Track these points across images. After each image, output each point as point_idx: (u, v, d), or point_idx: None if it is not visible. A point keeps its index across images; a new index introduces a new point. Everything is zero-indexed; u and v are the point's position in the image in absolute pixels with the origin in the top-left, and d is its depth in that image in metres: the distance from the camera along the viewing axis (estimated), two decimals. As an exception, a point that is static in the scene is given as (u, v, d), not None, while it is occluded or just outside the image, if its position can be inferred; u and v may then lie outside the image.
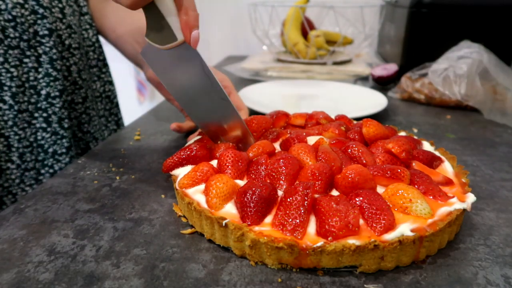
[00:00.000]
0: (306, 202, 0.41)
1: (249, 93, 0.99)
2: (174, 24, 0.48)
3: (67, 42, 0.75)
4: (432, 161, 0.54)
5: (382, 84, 1.14)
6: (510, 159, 0.67)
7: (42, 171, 0.73)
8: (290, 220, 0.40)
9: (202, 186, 0.48)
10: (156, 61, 0.53)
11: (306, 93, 1.05)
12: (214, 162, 0.52)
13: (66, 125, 0.74)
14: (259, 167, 0.50)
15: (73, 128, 0.79)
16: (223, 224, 0.42)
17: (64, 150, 0.74)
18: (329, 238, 0.39)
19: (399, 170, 0.47)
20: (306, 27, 1.34)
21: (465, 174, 0.51)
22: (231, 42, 1.81)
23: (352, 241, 0.38)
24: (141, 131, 0.79)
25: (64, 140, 0.74)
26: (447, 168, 0.54)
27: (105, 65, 0.89)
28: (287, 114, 0.68)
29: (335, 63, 1.31)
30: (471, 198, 0.46)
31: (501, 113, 0.88)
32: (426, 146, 0.61)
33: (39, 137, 0.71)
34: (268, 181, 0.48)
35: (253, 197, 0.42)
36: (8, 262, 0.41)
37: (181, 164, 0.53)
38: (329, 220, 0.39)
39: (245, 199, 0.43)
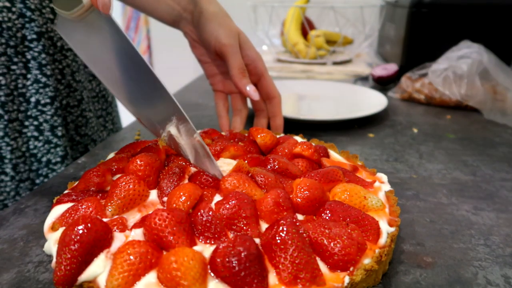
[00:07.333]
0: (306, 238, 0.35)
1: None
2: None
3: (59, 44, 0.72)
4: (326, 152, 0.53)
5: (382, 84, 1.14)
6: (510, 159, 0.68)
7: (37, 181, 0.70)
8: (301, 266, 0.32)
9: (151, 276, 0.33)
10: (72, 34, 0.47)
11: (306, 93, 1.05)
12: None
13: (59, 133, 0.70)
14: (211, 220, 0.37)
15: (71, 133, 0.76)
16: None
17: (58, 159, 0.71)
18: (350, 268, 0.34)
19: (334, 172, 0.45)
20: (306, 27, 1.34)
21: (356, 158, 0.53)
22: (231, 42, 1.81)
23: (367, 261, 0.35)
24: (141, 131, 0.79)
25: (58, 149, 0.70)
26: (334, 155, 0.55)
27: None
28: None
29: (335, 63, 1.31)
30: (383, 177, 0.49)
31: (501, 113, 0.88)
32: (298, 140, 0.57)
33: (31, 146, 0.68)
34: (234, 233, 0.37)
35: (242, 260, 0.32)
36: (8, 262, 0.41)
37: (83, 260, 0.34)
38: (336, 249, 0.34)
39: (235, 269, 0.31)
